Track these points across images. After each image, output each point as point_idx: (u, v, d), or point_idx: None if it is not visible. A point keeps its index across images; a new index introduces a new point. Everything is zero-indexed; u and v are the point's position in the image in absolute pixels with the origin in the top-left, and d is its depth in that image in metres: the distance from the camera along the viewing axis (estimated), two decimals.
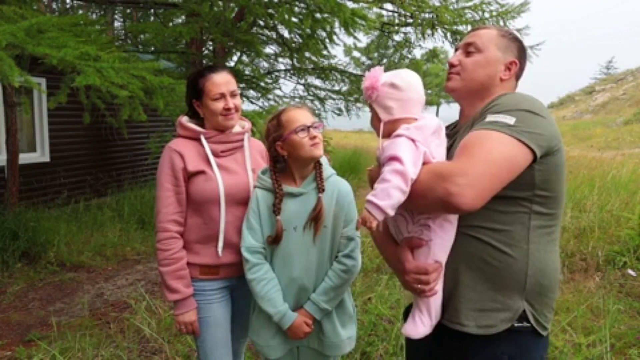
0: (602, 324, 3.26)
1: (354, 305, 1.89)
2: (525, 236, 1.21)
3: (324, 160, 1.77)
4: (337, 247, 1.75)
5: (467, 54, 1.38)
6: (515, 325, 1.21)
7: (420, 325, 1.27)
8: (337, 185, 1.75)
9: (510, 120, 1.16)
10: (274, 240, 1.70)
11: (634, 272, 3.96)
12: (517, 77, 1.41)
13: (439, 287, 1.26)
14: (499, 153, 1.12)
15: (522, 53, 1.40)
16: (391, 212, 1.15)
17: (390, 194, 1.14)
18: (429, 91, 39.49)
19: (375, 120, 1.35)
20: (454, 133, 1.43)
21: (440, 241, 1.23)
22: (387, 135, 1.29)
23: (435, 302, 1.26)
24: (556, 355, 2.86)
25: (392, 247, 1.35)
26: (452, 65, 1.40)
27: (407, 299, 1.46)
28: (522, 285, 1.20)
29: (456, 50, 1.45)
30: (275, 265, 1.74)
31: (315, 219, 1.67)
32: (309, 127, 1.65)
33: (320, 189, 1.69)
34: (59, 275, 4.65)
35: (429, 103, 40.58)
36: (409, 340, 1.49)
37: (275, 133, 1.70)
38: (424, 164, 1.19)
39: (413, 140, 1.20)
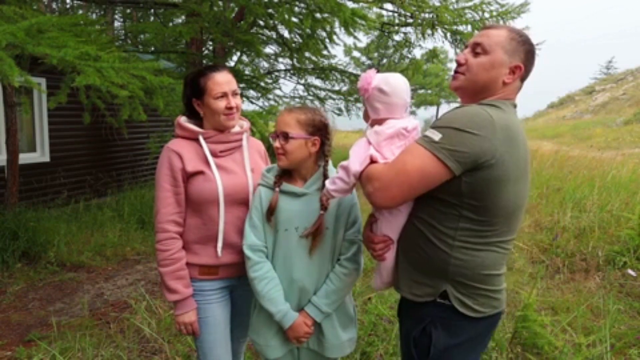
0: (602, 324, 3.26)
1: (354, 307, 1.89)
2: (453, 235, 1.38)
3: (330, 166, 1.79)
4: (338, 249, 1.75)
5: (475, 54, 1.44)
6: (438, 300, 1.44)
7: (377, 282, 1.64)
8: None
9: (436, 136, 1.31)
10: (267, 213, 1.71)
11: (634, 272, 3.96)
12: (523, 79, 1.47)
13: (388, 255, 1.54)
14: (412, 165, 1.31)
15: (529, 56, 1.44)
16: (335, 195, 1.53)
17: (334, 181, 1.51)
18: (429, 91, 39.45)
19: (366, 115, 1.58)
20: None
21: (386, 221, 1.51)
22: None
23: (385, 267, 1.57)
24: (556, 355, 2.86)
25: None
26: (458, 64, 1.46)
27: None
28: (445, 273, 1.41)
29: (466, 47, 1.49)
30: (275, 266, 1.73)
31: (314, 233, 1.68)
32: (277, 135, 1.69)
33: (323, 206, 1.68)
34: (59, 275, 4.65)
35: (429, 103, 40.54)
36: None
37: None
38: (374, 162, 1.41)
39: (369, 143, 1.46)
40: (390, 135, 1.45)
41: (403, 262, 1.51)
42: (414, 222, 1.47)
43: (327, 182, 1.54)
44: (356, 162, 1.43)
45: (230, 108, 1.80)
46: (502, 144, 1.29)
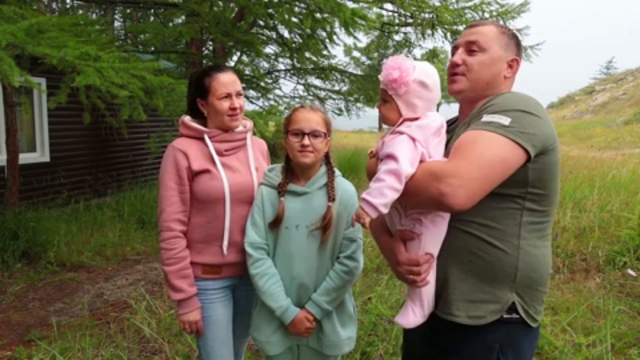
0: (602, 324, 3.26)
1: (354, 306, 1.89)
2: (517, 232, 1.23)
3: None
4: (338, 247, 1.76)
5: (470, 52, 1.36)
6: (505, 316, 1.24)
7: (411, 315, 1.31)
8: (341, 186, 1.77)
9: (505, 120, 1.17)
10: (274, 222, 1.71)
11: (634, 272, 3.96)
12: (515, 73, 1.42)
13: (430, 278, 1.29)
14: (492, 154, 1.14)
15: (519, 49, 1.40)
16: (384, 210, 1.18)
17: (383, 192, 1.17)
18: None
19: (394, 112, 1.30)
20: (452, 129, 1.42)
21: (432, 235, 1.26)
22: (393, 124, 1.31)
23: (427, 292, 1.29)
24: (556, 355, 2.86)
25: (386, 237, 1.37)
26: (455, 65, 1.37)
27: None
28: (512, 279, 1.23)
29: (455, 48, 1.41)
30: (276, 263, 1.75)
31: (324, 227, 1.69)
32: (304, 133, 1.66)
33: (330, 197, 1.71)
34: (59, 275, 4.65)
35: None
36: (405, 333, 1.56)
37: (284, 127, 1.76)
38: (420, 162, 1.21)
39: (413, 140, 1.21)
40: (435, 130, 1.27)
41: (453, 280, 1.27)
42: (462, 228, 1.26)
43: (369, 197, 1.18)
44: (407, 163, 1.18)
45: (234, 109, 1.81)
46: (554, 128, 1.24)
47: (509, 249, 1.23)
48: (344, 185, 1.78)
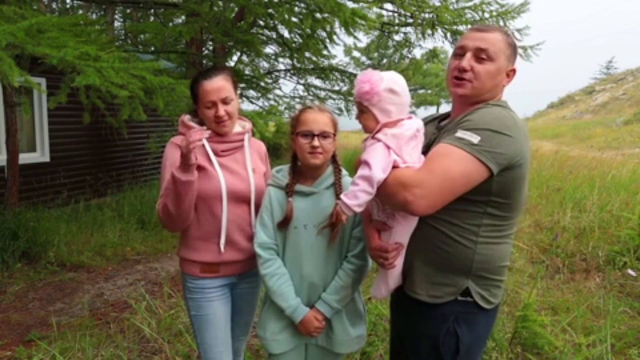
0: (602, 324, 3.26)
1: (364, 305, 1.91)
2: (476, 231, 1.41)
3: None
4: (346, 246, 1.77)
5: (479, 60, 1.43)
6: (459, 298, 1.45)
7: (381, 289, 1.57)
8: (347, 185, 1.77)
9: (475, 139, 1.30)
10: (283, 222, 1.72)
11: (634, 272, 3.96)
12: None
13: (398, 262, 1.49)
14: (456, 170, 1.29)
15: (516, 58, 1.51)
16: (358, 210, 1.41)
17: (357, 195, 1.38)
18: (429, 91, 39.43)
19: (371, 121, 1.46)
20: (441, 127, 1.52)
21: (402, 228, 1.46)
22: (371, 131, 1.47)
23: (392, 274, 1.52)
24: (556, 355, 2.86)
25: (367, 224, 1.59)
26: (463, 70, 1.43)
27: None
28: (469, 269, 1.42)
29: (461, 49, 1.46)
30: (286, 263, 1.76)
31: (332, 225, 1.69)
32: (314, 135, 1.67)
33: (338, 196, 1.72)
34: (59, 275, 4.65)
35: (429, 103, 40.52)
36: (391, 314, 1.79)
37: (291, 127, 1.78)
38: (394, 167, 1.37)
39: (388, 148, 1.38)
40: (409, 138, 1.41)
41: (419, 265, 1.47)
42: (430, 223, 1.43)
43: (344, 198, 1.40)
44: (379, 169, 1.35)
45: (218, 117, 1.79)
46: (524, 144, 1.36)
47: (467, 244, 1.41)
48: (349, 185, 1.78)
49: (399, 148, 1.39)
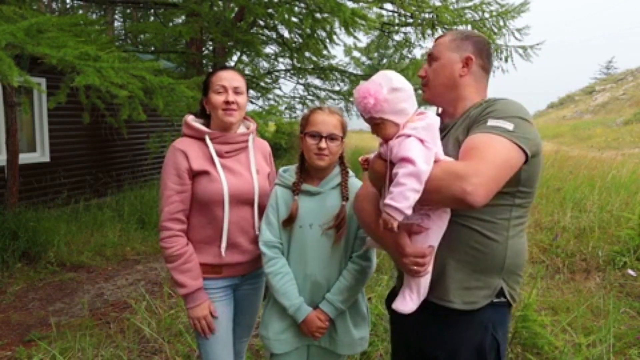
0: (602, 324, 3.26)
1: (367, 306, 1.90)
2: (507, 225, 1.38)
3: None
4: (351, 246, 1.77)
5: (429, 64, 1.54)
6: (494, 300, 1.40)
7: (409, 302, 1.41)
8: (354, 186, 1.78)
9: (509, 126, 1.30)
10: (287, 221, 1.73)
11: (634, 272, 3.96)
12: (484, 69, 1.52)
13: (430, 268, 1.39)
14: (504, 156, 1.26)
15: (478, 46, 1.51)
16: (409, 212, 1.25)
17: (406, 196, 1.23)
18: None
19: (391, 128, 1.34)
20: (442, 128, 1.45)
21: (437, 229, 1.36)
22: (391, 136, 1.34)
23: (425, 282, 1.40)
24: (556, 355, 2.86)
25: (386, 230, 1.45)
26: (421, 77, 1.56)
27: (397, 280, 1.58)
28: (502, 266, 1.39)
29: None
30: (290, 262, 1.77)
31: (337, 226, 1.70)
32: (322, 136, 1.69)
33: (344, 197, 1.74)
34: (59, 275, 4.65)
35: (427, 103, 40.46)
36: (395, 327, 1.68)
37: (300, 127, 1.78)
38: (435, 161, 1.28)
39: (422, 141, 1.27)
40: (437, 127, 1.34)
41: (450, 270, 1.39)
42: (461, 223, 1.37)
43: (393, 202, 1.23)
44: (424, 164, 1.24)
45: (228, 102, 1.81)
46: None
47: (501, 240, 1.37)
48: (355, 186, 1.79)
49: (433, 139, 1.29)
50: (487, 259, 1.38)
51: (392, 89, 1.32)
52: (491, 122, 1.32)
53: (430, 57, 1.54)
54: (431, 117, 1.34)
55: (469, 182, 1.19)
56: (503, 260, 1.38)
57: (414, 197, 1.23)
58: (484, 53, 1.52)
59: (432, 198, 1.26)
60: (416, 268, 1.35)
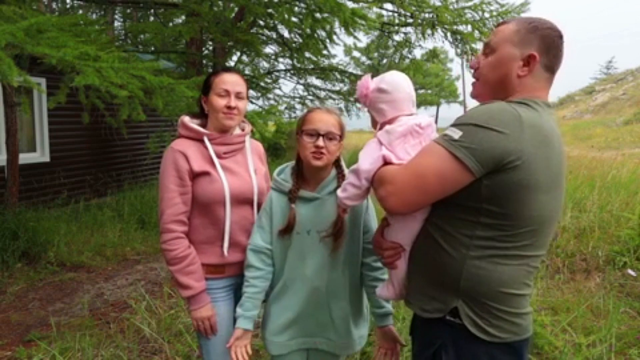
0: (602, 324, 3.26)
1: (367, 306, 1.90)
2: (467, 243, 1.23)
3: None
4: (351, 251, 1.74)
5: (485, 55, 1.34)
6: (447, 318, 1.28)
7: (385, 290, 1.52)
8: None
9: (456, 134, 1.18)
10: (285, 230, 1.70)
11: (634, 272, 3.96)
12: (549, 69, 1.30)
13: (400, 264, 1.44)
14: (429, 166, 1.19)
15: (546, 42, 1.28)
16: (348, 203, 1.46)
17: (345, 188, 1.44)
18: (429, 91, 39.40)
19: (373, 120, 1.50)
20: None
21: (398, 226, 1.40)
22: None
23: (396, 276, 1.46)
24: (556, 355, 2.86)
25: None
26: (473, 69, 1.39)
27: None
28: (456, 286, 1.25)
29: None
30: (288, 267, 1.74)
31: (335, 235, 1.67)
32: (319, 134, 1.63)
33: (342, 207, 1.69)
34: (59, 275, 4.65)
35: (429, 103, 40.52)
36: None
37: (297, 127, 1.74)
38: (388, 163, 1.31)
39: (380, 143, 1.37)
40: (402, 133, 1.34)
41: (414, 272, 1.40)
42: (427, 228, 1.34)
43: (338, 191, 1.47)
44: (366, 163, 1.34)
45: (229, 107, 1.81)
46: (530, 145, 1.15)
47: (456, 257, 1.24)
48: None
49: (390, 143, 1.34)
50: (440, 272, 1.28)
51: (377, 88, 1.43)
52: (447, 130, 1.22)
53: (487, 46, 1.34)
54: (399, 122, 1.38)
55: (384, 188, 1.26)
56: (457, 279, 1.24)
57: (352, 190, 1.41)
58: (552, 50, 1.29)
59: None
60: (379, 257, 1.48)
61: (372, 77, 1.49)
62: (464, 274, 1.23)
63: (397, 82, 1.43)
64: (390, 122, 1.41)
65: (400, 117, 1.41)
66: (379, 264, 1.77)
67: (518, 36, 1.28)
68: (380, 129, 1.41)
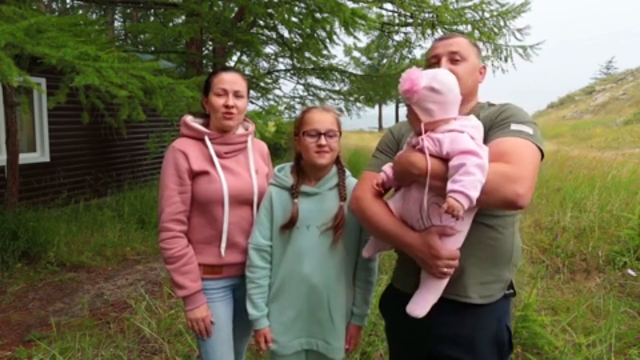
0: (602, 324, 3.26)
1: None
2: (512, 221, 1.48)
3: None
4: (348, 247, 1.76)
5: (454, 62, 1.49)
6: (506, 292, 1.50)
7: (427, 306, 1.39)
8: (350, 186, 1.77)
9: (530, 130, 1.36)
10: (288, 224, 1.71)
11: (634, 272, 3.96)
12: None
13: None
14: (535, 159, 1.32)
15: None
16: (474, 204, 1.23)
17: (476, 186, 1.21)
18: None
19: (415, 120, 1.38)
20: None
21: (465, 231, 1.38)
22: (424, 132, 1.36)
23: (442, 284, 1.40)
24: (556, 355, 2.86)
25: (413, 234, 1.41)
26: None
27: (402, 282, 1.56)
28: (509, 260, 1.48)
29: (433, 59, 1.53)
30: (286, 263, 1.75)
31: (335, 227, 1.70)
32: (320, 134, 1.68)
33: (342, 196, 1.73)
34: (59, 275, 4.65)
35: None
36: (394, 322, 1.72)
37: (295, 128, 1.77)
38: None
39: (473, 138, 1.30)
40: (482, 129, 1.38)
41: (470, 267, 1.43)
42: (479, 221, 1.40)
43: (465, 190, 1.20)
44: (486, 159, 1.25)
45: (227, 107, 1.80)
46: None
47: (507, 235, 1.46)
48: (353, 186, 1.77)
49: (480, 140, 1.33)
50: (499, 254, 1.45)
51: (430, 87, 1.32)
52: (514, 127, 1.37)
53: (455, 54, 1.49)
54: (474, 119, 1.37)
55: (521, 184, 1.22)
56: (510, 253, 1.47)
57: (480, 189, 1.21)
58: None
59: (481, 199, 1.23)
60: (446, 270, 1.34)
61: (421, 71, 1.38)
62: (514, 246, 1.47)
63: (450, 84, 1.35)
64: (435, 124, 1.34)
65: (451, 120, 1.35)
66: (370, 265, 1.82)
67: (474, 49, 1.54)
68: (425, 129, 1.34)
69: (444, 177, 1.27)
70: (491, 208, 1.34)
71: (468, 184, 1.20)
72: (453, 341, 1.48)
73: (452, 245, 1.36)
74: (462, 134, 1.29)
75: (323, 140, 1.67)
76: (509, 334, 1.51)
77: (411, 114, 1.39)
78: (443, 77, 1.35)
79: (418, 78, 1.32)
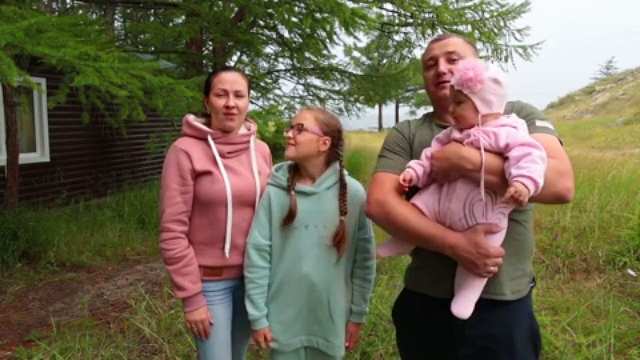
0: (602, 324, 3.26)
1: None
2: (530, 215, 1.51)
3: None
4: (350, 247, 1.76)
5: (451, 61, 1.49)
6: (531, 285, 1.51)
7: (471, 305, 1.35)
8: (352, 187, 1.77)
9: (552, 126, 1.42)
10: (288, 218, 1.71)
11: (634, 272, 3.96)
12: None
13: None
14: (566, 154, 1.35)
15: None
16: (538, 192, 1.19)
17: (542, 175, 1.19)
18: None
19: (470, 111, 1.33)
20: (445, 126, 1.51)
21: (506, 228, 1.36)
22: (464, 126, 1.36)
23: (483, 283, 1.37)
24: (556, 355, 2.86)
25: (454, 234, 1.36)
26: (443, 74, 1.49)
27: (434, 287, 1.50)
28: (530, 252, 1.51)
29: (430, 60, 1.54)
30: (284, 262, 1.75)
31: (338, 242, 1.70)
32: (291, 126, 1.72)
33: (342, 211, 1.72)
34: (59, 275, 4.65)
35: (429, 103, 40.46)
36: (426, 327, 1.54)
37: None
38: None
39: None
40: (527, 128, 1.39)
41: (503, 264, 1.37)
42: (509, 217, 1.39)
43: (535, 176, 1.17)
44: (545, 154, 1.24)
45: (228, 107, 1.80)
46: None
47: (528, 229, 1.48)
48: (351, 185, 1.78)
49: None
50: (524, 248, 1.47)
51: (494, 78, 1.31)
52: (539, 123, 1.40)
53: (453, 54, 1.49)
54: (518, 118, 1.35)
55: (569, 179, 1.26)
56: (531, 247, 1.50)
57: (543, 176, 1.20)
58: None
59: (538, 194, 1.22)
60: (494, 269, 1.32)
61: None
62: (532, 239, 1.51)
63: (505, 80, 1.34)
64: (489, 117, 1.33)
65: (499, 116, 1.35)
66: (368, 263, 1.82)
67: (470, 48, 1.54)
68: (481, 122, 1.32)
69: (499, 171, 1.24)
70: (540, 202, 1.29)
71: (535, 171, 1.18)
72: (490, 340, 1.44)
73: (496, 242, 1.33)
74: (517, 130, 1.28)
75: (290, 133, 1.70)
76: (537, 326, 1.53)
77: (465, 105, 1.33)
78: (500, 72, 1.35)
79: (483, 68, 1.30)
